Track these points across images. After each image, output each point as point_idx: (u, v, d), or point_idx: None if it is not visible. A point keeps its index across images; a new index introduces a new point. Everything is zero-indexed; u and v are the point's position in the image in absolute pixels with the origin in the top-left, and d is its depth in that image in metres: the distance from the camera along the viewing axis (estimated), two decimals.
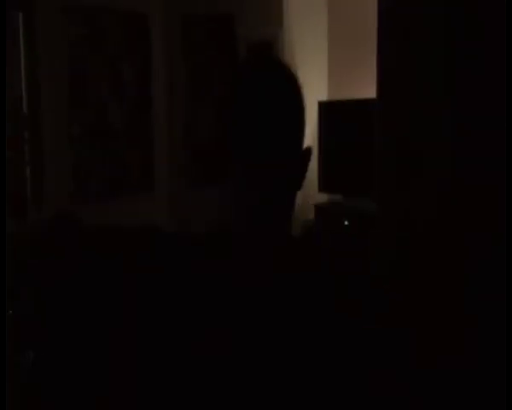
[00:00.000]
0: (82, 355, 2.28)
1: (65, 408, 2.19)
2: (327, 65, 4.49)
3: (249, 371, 0.98)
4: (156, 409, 1.07)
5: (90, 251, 2.60)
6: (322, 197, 4.44)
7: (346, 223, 3.97)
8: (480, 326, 1.86)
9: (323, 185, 4.31)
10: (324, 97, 4.45)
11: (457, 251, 1.92)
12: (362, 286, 1.05)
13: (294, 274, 1.01)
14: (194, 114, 4.61)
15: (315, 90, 4.22)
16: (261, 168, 0.94)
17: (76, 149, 4.03)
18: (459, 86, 1.91)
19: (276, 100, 0.94)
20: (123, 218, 3.91)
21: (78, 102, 4.02)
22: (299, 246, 1.06)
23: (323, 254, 1.09)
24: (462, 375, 1.91)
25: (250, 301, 1.00)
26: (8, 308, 2.20)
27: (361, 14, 3.89)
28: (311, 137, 4.46)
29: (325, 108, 4.22)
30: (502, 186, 1.77)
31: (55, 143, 3.86)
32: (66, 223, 2.62)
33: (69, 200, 3.87)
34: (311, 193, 4.52)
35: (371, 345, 1.01)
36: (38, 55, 3.69)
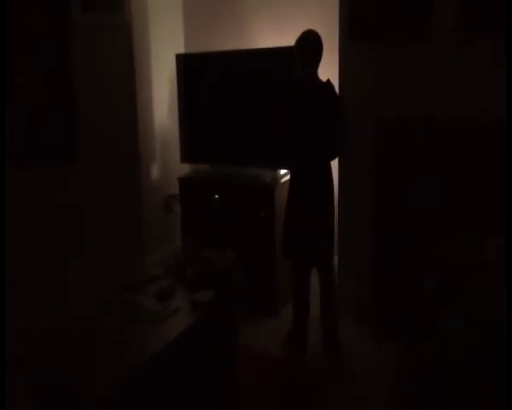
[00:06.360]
0: None
1: None
2: (182, 21, 4.06)
3: None
4: None
5: None
6: (186, 168, 3.79)
7: (216, 196, 3.37)
8: None
9: (186, 155, 3.65)
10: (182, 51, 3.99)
11: None
12: None
13: None
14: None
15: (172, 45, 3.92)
16: None
17: None
18: None
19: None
20: None
21: None
22: None
23: None
24: None
25: None
26: None
27: None
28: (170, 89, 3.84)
29: (183, 60, 3.55)
30: None
31: None
32: None
33: None
34: (173, 165, 3.86)
35: None
36: None
